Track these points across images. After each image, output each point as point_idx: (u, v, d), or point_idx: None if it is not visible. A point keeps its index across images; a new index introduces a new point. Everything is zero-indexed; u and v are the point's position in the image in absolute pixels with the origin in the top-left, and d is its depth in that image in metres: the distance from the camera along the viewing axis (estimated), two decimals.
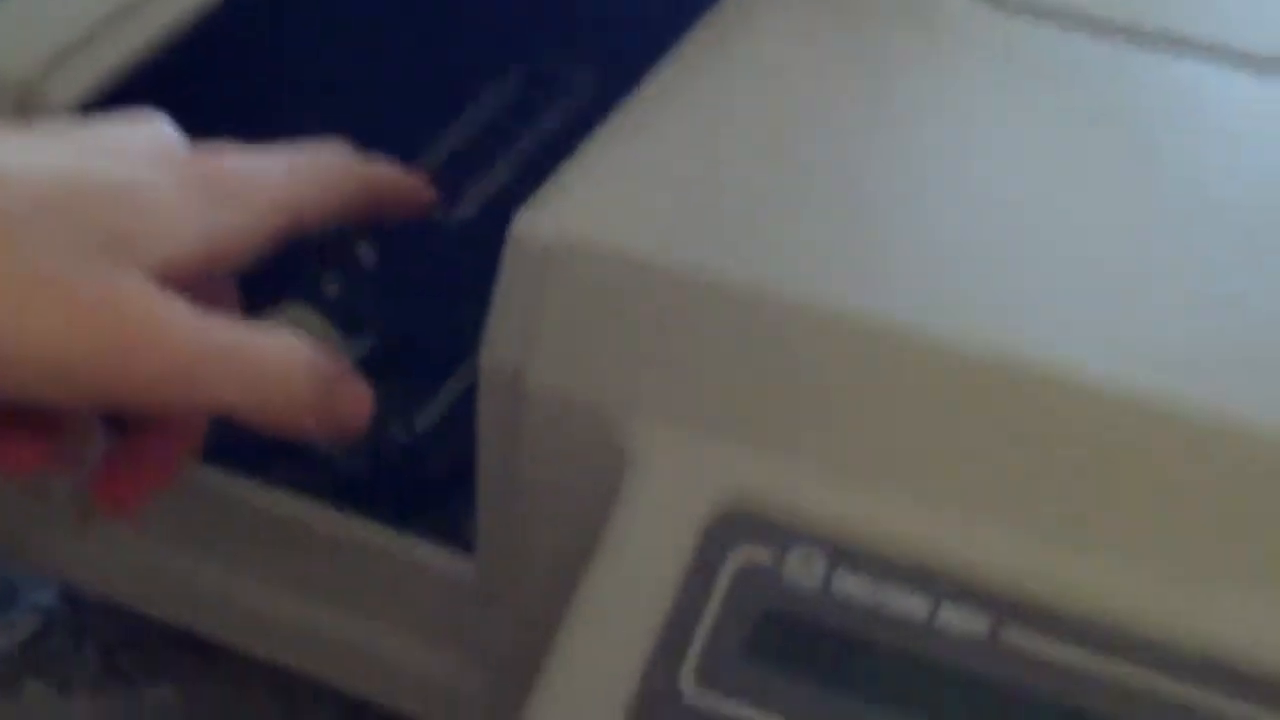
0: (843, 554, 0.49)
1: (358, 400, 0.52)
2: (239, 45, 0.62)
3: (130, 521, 0.61)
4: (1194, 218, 0.52)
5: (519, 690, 0.55)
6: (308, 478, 0.60)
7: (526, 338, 0.51)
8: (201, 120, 0.60)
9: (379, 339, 0.63)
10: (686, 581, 0.49)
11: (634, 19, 0.68)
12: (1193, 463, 0.47)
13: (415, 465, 0.59)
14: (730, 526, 0.49)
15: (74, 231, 0.48)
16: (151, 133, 0.52)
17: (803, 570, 0.49)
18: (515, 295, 0.52)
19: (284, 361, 0.50)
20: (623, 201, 0.52)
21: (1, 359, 0.46)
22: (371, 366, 0.62)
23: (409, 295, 0.63)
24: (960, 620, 0.48)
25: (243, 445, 0.61)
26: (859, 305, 0.49)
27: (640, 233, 0.51)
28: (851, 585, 0.48)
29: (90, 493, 0.51)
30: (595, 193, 0.52)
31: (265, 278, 0.61)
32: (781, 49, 0.57)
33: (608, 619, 0.49)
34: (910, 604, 0.48)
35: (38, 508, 0.62)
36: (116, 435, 0.52)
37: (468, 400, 0.61)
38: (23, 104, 0.57)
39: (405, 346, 0.63)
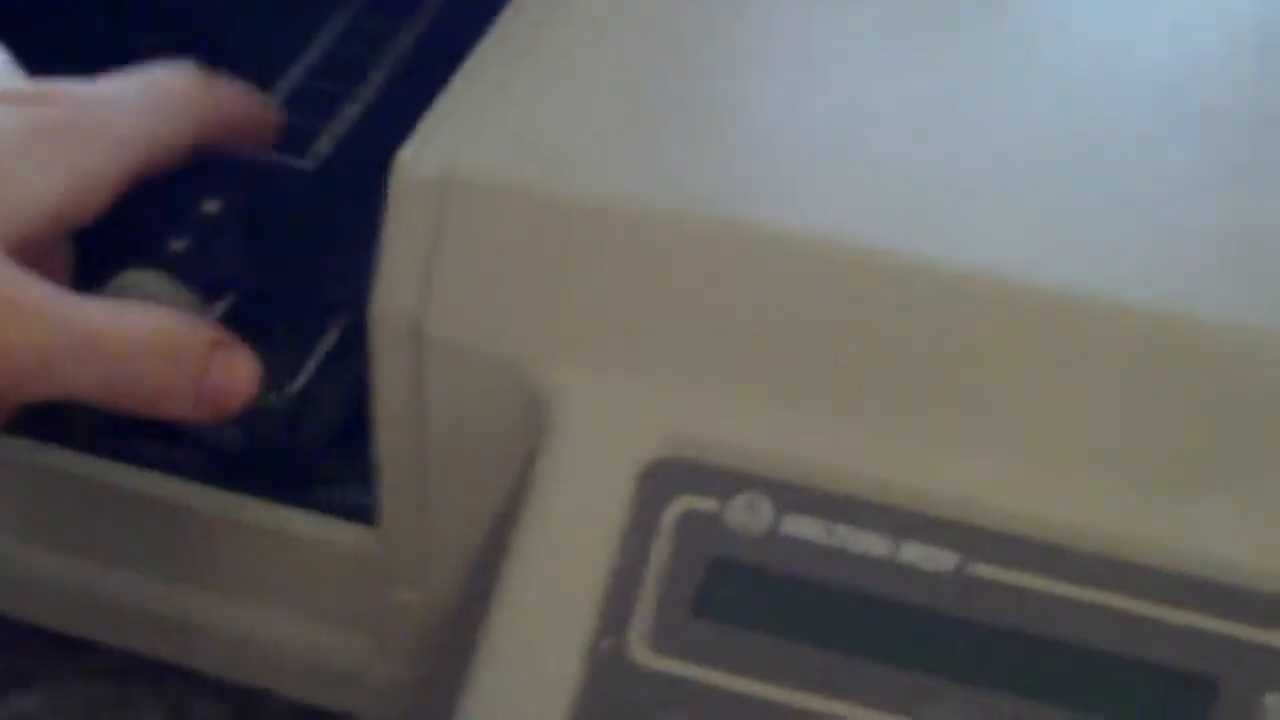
0: (790, 495, 0.45)
1: (241, 372, 0.47)
2: None
3: None
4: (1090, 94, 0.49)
5: (432, 670, 0.51)
6: (174, 455, 0.55)
7: (422, 284, 0.47)
8: (21, 42, 0.55)
9: (238, 297, 0.57)
10: (624, 538, 0.45)
11: None
12: (1157, 371, 0.44)
13: (294, 432, 0.54)
14: (665, 475, 0.45)
15: None
16: None
17: (748, 515, 0.45)
18: (405, 237, 0.47)
19: (152, 341, 0.46)
20: (516, 128, 0.47)
21: None
22: (233, 328, 0.57)
23: (265, 246, 0.58)
24: (924, 556, 0.44)
25: (97, 422, 0.56)
26: (788, 226, 0.45)
27: (540, 161, 0.47)
28: (803, 528, 0.45)
29: None
30: (484, 120, 0.48)
31: (99, 241, 0.56)
32: None
33: (543, 586, 0.45)
34: (868, 543, 0.44)
35: None
36: None
37: (344, 356, 0.56)
38: None
39: (267, 302, 0.58)
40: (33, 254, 0.44)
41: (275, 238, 0.57)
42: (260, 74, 0.62)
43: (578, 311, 0.46)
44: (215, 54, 0.63)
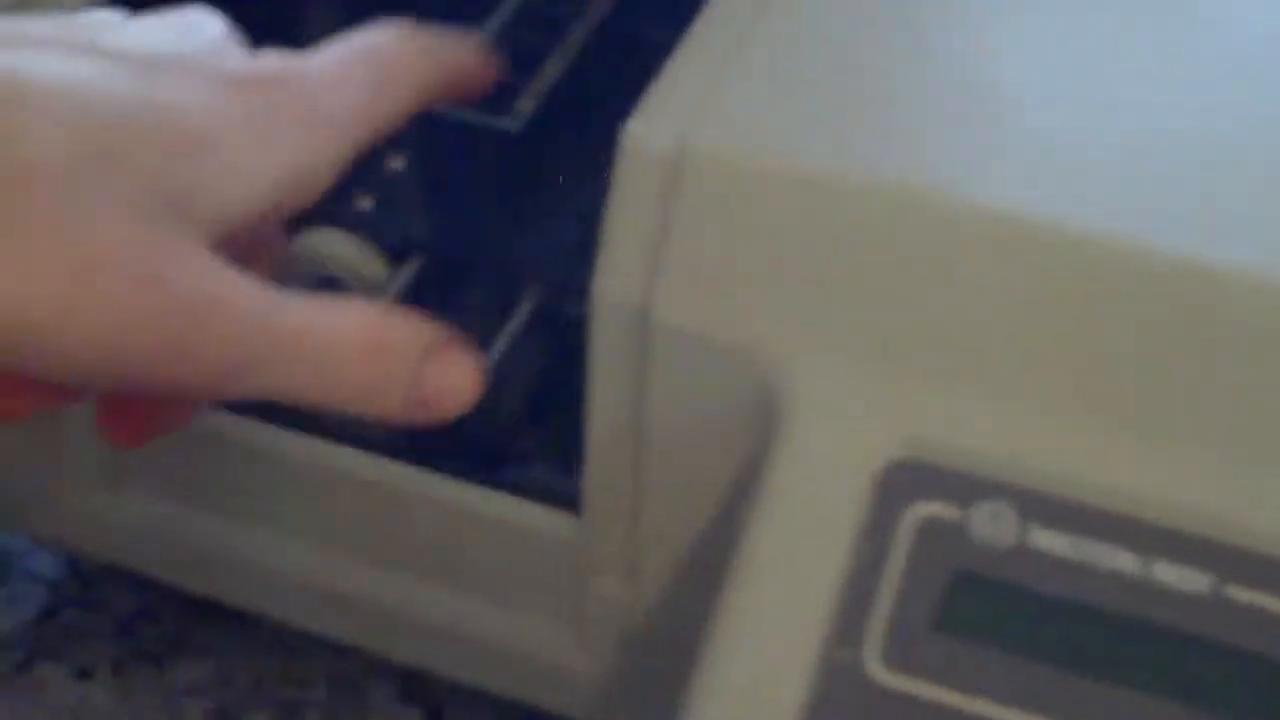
0: (1037, 506, 0.42)
1: (458, 378, 0.45)
2: None
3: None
4: None
5: (630, 666, 0.49)
6: (359, 427, 0.52)
7: (650, 266, 0.44)
8: None
9: (427, 262, 0.55)
10: (860, 543, 0.42)
11: None
12: None
13: (487, 408, 0.52)
14: (906, 478, 0.43)
15: (131, 189, 0.40)
16: (210, 41, 0.44)
17: (993, 526, 0.42)
18: (632, 216, 0.44)
19: (359, 342, 0.43)
20: (753, 100, 0.45)
21: (47, 347, 0.39)
22: (421, 294, 0.55)
23: (459, 209, 0.55)
24: (1177, 576, 0.41)
25: None
26: (1046, 216, 0.43)
27: (778, 136, 0.44)
28: (1049, 541, 0.42)
29: (99, 425, 0.44)
30: (718, 92, 0.45)
31: None
32: None
33: (773, 590, 0.42)
34: (1119, 560, 0.42)
35: (37, 467, 0.55)
36: None
37: (539, 328, 0.54)
38: None
39: (459, 269, 0.55)
40: (241, 244, 0.42)
41: (470, 201, 0.55)
42: (456, 22, 0.60)
43: (816, 300, 0.43)
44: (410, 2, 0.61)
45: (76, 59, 0.41)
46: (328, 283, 0.55)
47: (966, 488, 0.42)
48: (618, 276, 0.45)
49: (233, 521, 0.54)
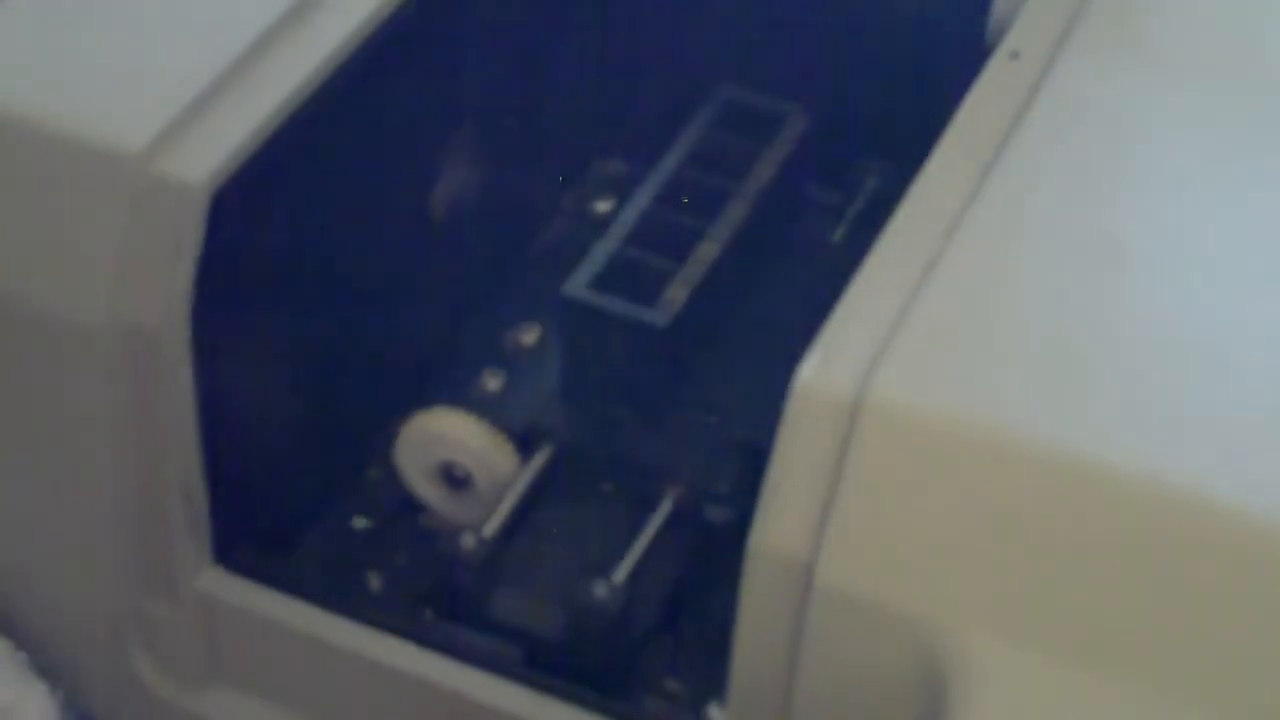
0: None
1: None
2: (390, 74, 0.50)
3: None
4: None
5: None
6: (495, 648, 0.49)
7: (818, 523, 0.41)
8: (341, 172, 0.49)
9: (556, 452, 0.52)
10: None
11: (862, 63, 0.57)
12: None
13: (618, 628, 0.48)
14: None
15: None
16: None
17: None
18: (801, 468, 0.41)
19: None
20: (934, 351, 0.41)
21: None
22: (549, 488, 0.51)
23: (592, 400, 0.52)
24: None
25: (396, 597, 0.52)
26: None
27: (972, 392, 0.40)
28: None
29: None
30: (896, 337, 0.41)
31: (407, 375, 0.51)
32: (1087, 151, 0.46)
33: None
34: None
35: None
36: None
37: (671, 534, 0.50)
38: (138, 181, 0.45)
39: (590, 464, 0.52)
40: None
41: (608, 392, 0.51)
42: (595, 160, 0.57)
43: (1000, 575, 0.39)
44: (553, 142, 0.58)
45: None
46: (448, 467, 0.51)
47: None
48: (780, 530, 0.41)
49: None
